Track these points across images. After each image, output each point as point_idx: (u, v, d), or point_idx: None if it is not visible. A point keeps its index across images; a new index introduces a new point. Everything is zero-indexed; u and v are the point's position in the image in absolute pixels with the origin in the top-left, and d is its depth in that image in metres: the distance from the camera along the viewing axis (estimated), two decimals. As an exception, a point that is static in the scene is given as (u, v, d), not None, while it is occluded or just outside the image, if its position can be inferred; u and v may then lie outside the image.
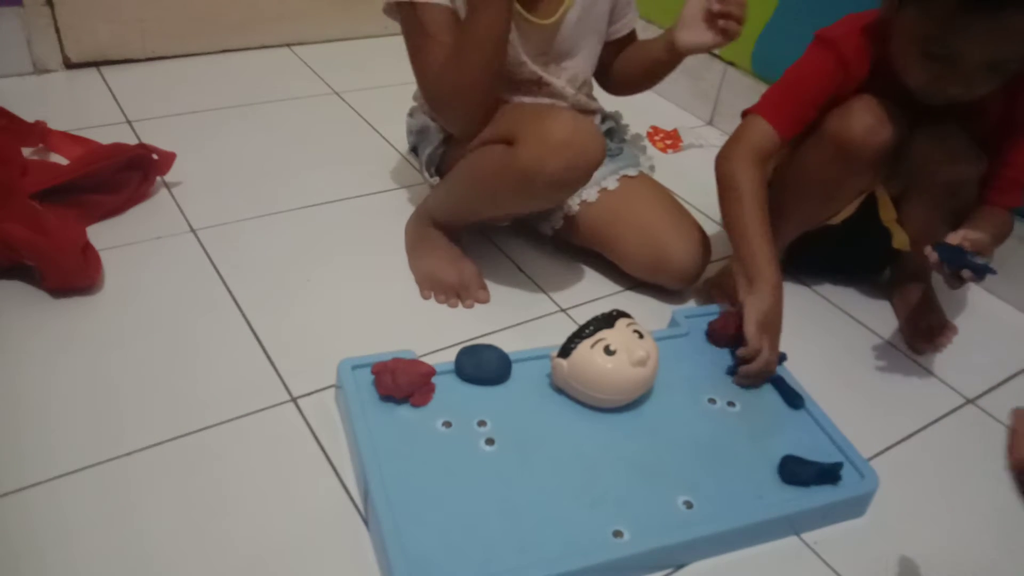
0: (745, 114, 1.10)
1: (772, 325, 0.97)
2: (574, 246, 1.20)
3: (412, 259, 1.15)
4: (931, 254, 0.91)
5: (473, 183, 1.07)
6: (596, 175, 1.14)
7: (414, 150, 1.21)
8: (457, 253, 1.13)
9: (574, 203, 1.15)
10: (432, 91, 1.03)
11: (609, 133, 1.23)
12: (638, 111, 1.20)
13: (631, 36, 1.17)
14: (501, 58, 1.00)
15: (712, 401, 0.94)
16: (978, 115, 1.01)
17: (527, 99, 1.10)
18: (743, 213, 1.01)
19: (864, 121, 0.99)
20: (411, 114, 1.22)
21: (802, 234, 1.14)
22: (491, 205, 1.09)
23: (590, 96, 1.19)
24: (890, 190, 1.07)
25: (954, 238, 0.91)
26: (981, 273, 0.90)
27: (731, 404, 0.94)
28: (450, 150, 1.13)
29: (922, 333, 1.12)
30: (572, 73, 1.12)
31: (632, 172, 1.18)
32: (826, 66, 1.03)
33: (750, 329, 0.95)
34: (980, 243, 0.93)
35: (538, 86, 1.09)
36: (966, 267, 0.90)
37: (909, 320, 1.15)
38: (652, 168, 1.23)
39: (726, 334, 1.01)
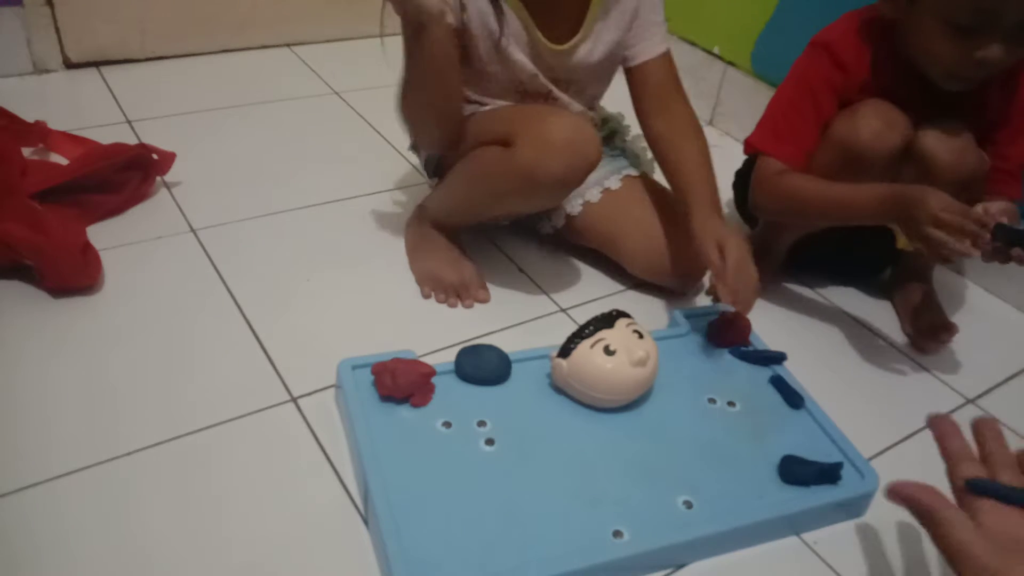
0: (747, 143, 1.09)
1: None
2: (574, 245, 1.20)
3: (412, 259, 1.15)
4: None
5: (473, 183, 1.07)
6: (598, 175, 1.14)
7: (414, 148, 1.22)
8: (457, 253, 1.13)
9: (576, 204, 1.15)
10: (401, 112, 1.05)
11: (611, 135, 1.23)
12: (639, 111, 1.20)
13: (656, 66, 1.10)
14: (448, 82, 0.99)
15: (712, 401, 0.94)
16: (978, 110, 1.01)
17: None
18: (815, 192, 1.00)
19: (871, 126, 0.99)
20: (411, 113, 1.22)
21: (804, 234, 1.15)
22: (490, 205, 1.09)
23: (596, 111, 1.19)
24: None
25: (992, 211, 0.89)
26: None
27: (731, 404, 0.94)
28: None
29: (923, 333, 1.12)
30: (579, 89, 1.12)
31: (634, 172, 1.18)
32: (823, 72, 1.02)
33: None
34: (1009, 211, 0.91)
35: (546, 99, 1.09)
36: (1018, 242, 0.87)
37: (910, 320, 1.15)
38: (654, 168, 1.23)
39: (726, 334, 1.01)
